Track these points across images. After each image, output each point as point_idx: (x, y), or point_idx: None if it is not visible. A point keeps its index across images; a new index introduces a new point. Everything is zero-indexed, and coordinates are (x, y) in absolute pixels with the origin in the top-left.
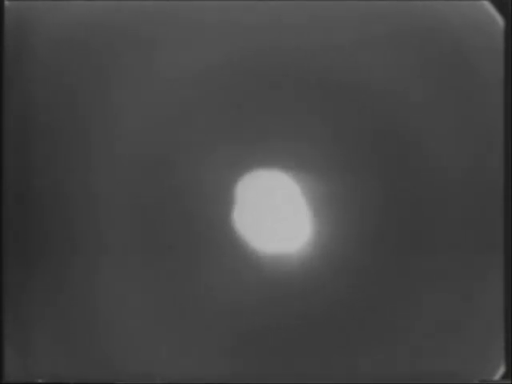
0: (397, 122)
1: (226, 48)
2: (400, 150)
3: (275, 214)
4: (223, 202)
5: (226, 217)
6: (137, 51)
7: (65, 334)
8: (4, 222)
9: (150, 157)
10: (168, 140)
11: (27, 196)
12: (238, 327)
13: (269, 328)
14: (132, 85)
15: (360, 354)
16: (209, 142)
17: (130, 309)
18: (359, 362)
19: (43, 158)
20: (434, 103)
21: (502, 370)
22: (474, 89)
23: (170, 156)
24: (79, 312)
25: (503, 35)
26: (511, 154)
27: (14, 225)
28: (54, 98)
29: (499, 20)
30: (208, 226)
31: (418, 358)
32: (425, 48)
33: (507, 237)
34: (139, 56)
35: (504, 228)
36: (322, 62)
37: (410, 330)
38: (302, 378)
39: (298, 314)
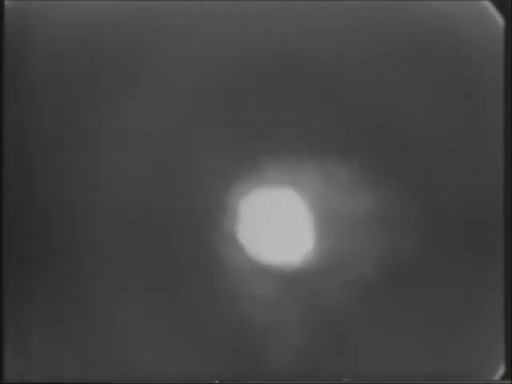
0: (395, 123)
1: (223, 53)
2: (402, 155)
3: (279, 226)
4: (234, 211)
5: (232, 228)
6: (136, 51)
7: (64, 335)
8: (4, 222)
9: (151, 164)
10: (169, 148)
11: (26, 200)
12: (237, 329)
13: (270, 334)
14: (130, 85)
15: (360, 354)
16: (209, 150)
17: (130, 310)
18: (359, 363)
19: (42, 160)
20: (433, 103)
21: (501, 370)
22: (474, 89)
23: (169, 166)
24: (79, 313)
25: (503, 35)
26: (511, 153)
27: (13, 226)
28: (54, 98)
29: (499, 20)
30: (210, 236)
31: (419, 358)
32: (424, 48)
33: (507, 237)
34: (138, 56)
35: (504, 228)
36: (319, 66)
37: (410, 330)
38: (302, 378)
39: (301, 320)
